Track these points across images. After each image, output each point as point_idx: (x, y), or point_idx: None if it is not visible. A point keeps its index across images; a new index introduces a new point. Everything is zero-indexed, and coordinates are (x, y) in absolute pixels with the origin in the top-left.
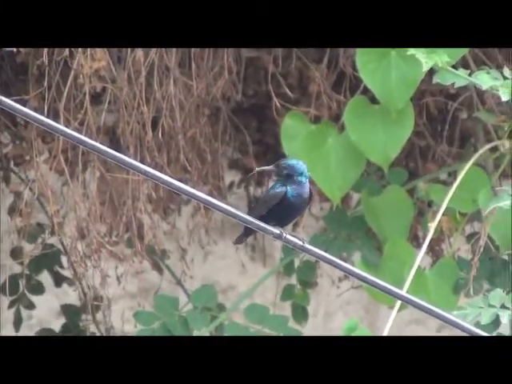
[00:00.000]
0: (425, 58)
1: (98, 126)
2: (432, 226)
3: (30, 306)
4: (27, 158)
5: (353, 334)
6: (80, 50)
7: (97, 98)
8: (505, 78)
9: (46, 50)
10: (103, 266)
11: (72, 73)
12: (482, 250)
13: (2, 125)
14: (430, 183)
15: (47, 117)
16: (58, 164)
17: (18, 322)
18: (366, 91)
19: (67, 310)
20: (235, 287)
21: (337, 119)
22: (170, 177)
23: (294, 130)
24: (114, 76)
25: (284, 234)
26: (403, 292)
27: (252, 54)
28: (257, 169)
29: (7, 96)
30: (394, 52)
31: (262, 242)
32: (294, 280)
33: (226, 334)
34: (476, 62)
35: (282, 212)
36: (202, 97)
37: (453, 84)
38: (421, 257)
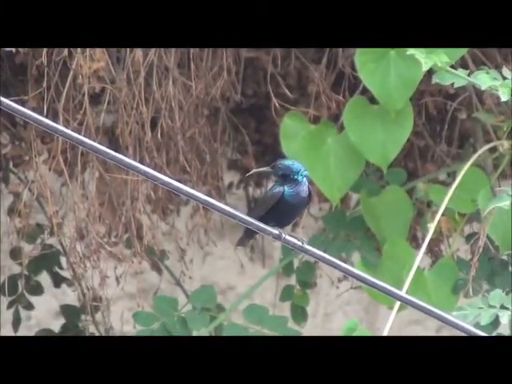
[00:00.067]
0: (424, 58)
1: (97, 127)
2: (431, 227)
3: (29, 306)
4: (26, 158)
5: (352, 335)
6: (79, 50)
7: (96, 99)
8: (504, 77)
9: (45, 50)
10: (102, 267)
11: (71, 73)
12: (481, 250)
13: (1, 125)
14: (429, 183)
15: (46, 117)
16: (57, 164)
17: (16, 322)
18: (365, 91)
19: (66, 310)
20: (234, 288)
21: (336, 119)
22: (169, 177)
23: (293, 130)
24: (113, 76)
25: (283, 235)
26: (402, 292)
27: (251, 55)
28: (253, 170)
29: (6, 96)
30: (393, 52)
31: (261, 242)
32: (293, 280)
33: (225, 335)
34: (475, 62)
35: (280, 212)
36: (201, 97)
37: (452, 84)
38: (420, 257)
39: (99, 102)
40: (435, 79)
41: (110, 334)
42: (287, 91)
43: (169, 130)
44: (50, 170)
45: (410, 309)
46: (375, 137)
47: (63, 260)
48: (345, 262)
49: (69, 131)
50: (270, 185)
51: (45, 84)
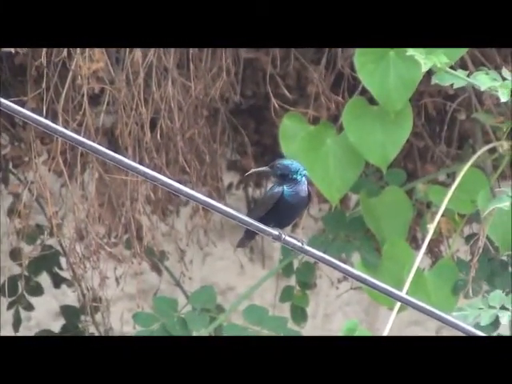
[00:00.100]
0: (423, 59)
1: (96, 127)
2: (431, 227)
3: (29, 307)
4: (26, 159)
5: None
6: (78, 51)
7: (95, 99)
8: (503, 78)
9: (44, 51)
10: (102, 268)
11: (70, 74)
12: (480, 251)
13: (0, 126)
14: (428, 184)
15: (46, 118)
16: (56, 165)
17: (17, 323)
18: (364, 92)
19: (66, 311)
20: (234, 288)
21: (335, 120)
22: (169, 178)
23: (292, 130)
24: (112, 77)
25: (283, 236)
26: (402, 293)
27: (250, 55)
28: (252, 170)
29: (6, 97)
30: (392, 53)
31: (261, 243)
32: (293, 281)
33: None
34: (474, 63)
35: (280, 212)
36: (200, 98)
37: (451, 85)
38: (420, 258)
39: (98, 103)
40: (435, 80)
41: (110, 335)
42: (286, 92)
43: (168, 130)
44: (49, 170)
45: (410, 309)
46: (374, 137)
47: (63, 261)
48: (345, 262)
49: (68, 132)
50: (270, 185)
51: (44, 85)
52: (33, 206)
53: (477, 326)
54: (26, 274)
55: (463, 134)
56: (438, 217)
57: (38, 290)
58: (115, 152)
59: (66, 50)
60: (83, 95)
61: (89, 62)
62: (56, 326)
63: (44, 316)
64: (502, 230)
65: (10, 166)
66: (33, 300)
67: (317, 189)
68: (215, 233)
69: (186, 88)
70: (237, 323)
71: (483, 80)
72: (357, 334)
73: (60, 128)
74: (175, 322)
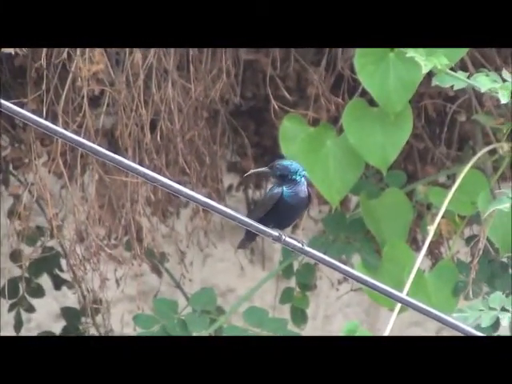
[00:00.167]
0: (423, 61)
1: (96, 129)
2: (431, 229)
3: (30, 309)
4: (26, 160)
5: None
6: (78, 53)
7: (95, 101)
8: (503, 80)
9: (44, 52)
10: (102, 269)
11: (70, 75)
12: (481, 252)
13: (0, 128)
14: (428, 186)
15: (46, 119)
16: (56, 167)
17: (18, 325)
18: (364, 94)
19: (67, 312)
20: (234, 290)
21: (335, 122)
22: (169, 179)
23: (292, 132)
24: (112, 79)
25: (283, 237)
26: (403, 294)
27: (250, 57)
28: (251, 171)
29: (6, 99)
30: (392, 54)
31: (261, 244)
32: (293, 283)
33: None
34: (474, 65)
35: (280, 213)
36: (200, 99)
37: (451, 86)
38: (420, 259)
39: (98, 105)
40: (435, 81)
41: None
42: (286, 93)
43: (168, 132)
44: (49, 172)
45: (411, 311)
46: (374, 139)
47: (64, 262)
48: (345, 264)
49: (68, 133)
50: (270, 186)
51: (44, 86)
52: (33, 207)
53: (477, 327)
54: (27, 275)
55: (463, 136)
56: (438, 218)
57: (38, 292)
58: (115, 153)
59: (65, 51)
60: (83, 97)
61: (89, 63)
62: (57, 328)
63: (45, 318)
64: (503, 232)
65: (11, 167)
66: (34, 302)
67: (317, 190)
68: (215, 234)
69: (185, 89)
70: (237, 325)
71: (483, 81)
72: (358, 335)
73: (60, 129)
74: (175, 323)
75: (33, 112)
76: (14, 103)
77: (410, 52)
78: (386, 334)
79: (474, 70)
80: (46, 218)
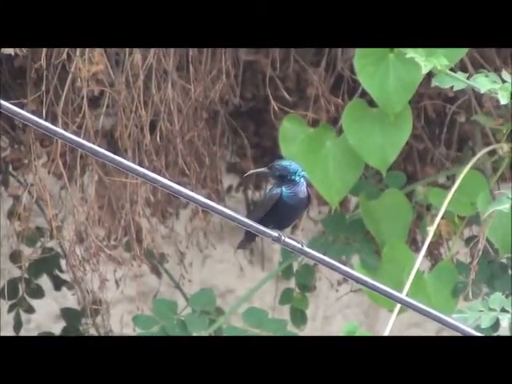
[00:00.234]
0: (423, 61)
1: (96, 130)
2: (431, 230)
3: (30, 309)
4: (25, 161)
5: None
6: (78, 53)
7: (95, 102)
8: (503, 81)
9: (43, 53)
10: (102, 270)
11: (70, 76)
12: (480, 253)
13: (0, 128)
14: (428, 187)
15: (45, 120)
16: (56, 167)
17: (17, 325)
18: (364, 94)
19: (67, 313)
20: (234, 291)
21: (335, 122)
22: (169, 180)
23: (291, 133)
24: (111, 79)
25: (282, 237)
26: (403, 295)
27: (250, 58)
28: (251, 171)
29: (6, 100)
30: (392, 55)
31: (261, 245)
32: (292, 284)
33: None
34: (474, 66)
35: (279, 214)
36: (199, 100)
37: (451, 87)
38: (420, 260)
39: (98, 105)
40: (434, 82)
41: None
42: (286, 94)
43: (168, 133)
44: (49, 173)
45: (410, 311)
46: (374, 140)
47: (63, 263)
48: (344, 264)
49: (68, 134)
50: (269, 187)
51: (44, 87)
52: (33, 208)
53: (477, 328)
54: (27, 276)
55: (463, 137)
56: (437, 219)
57: (38, 293)
58: (115, 154)
59: (65, 52)
60: (83, 97)
61: (88, 64)
62: (56, 329)
63: (44, 318)
64: (502, 233)
65: (10, 168)
66: (33, 302)
67: (316, 191)
68: (215, 235)
69: (185, 90)
70: (236, 326)
71: (483, 82)
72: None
73: (60, 130)
74: (175, 324)
75: (32, 113)
76: (14, 104)
77: (410, 53)
78: (386, 334)
79: (474, 70)
80: (45, 218)
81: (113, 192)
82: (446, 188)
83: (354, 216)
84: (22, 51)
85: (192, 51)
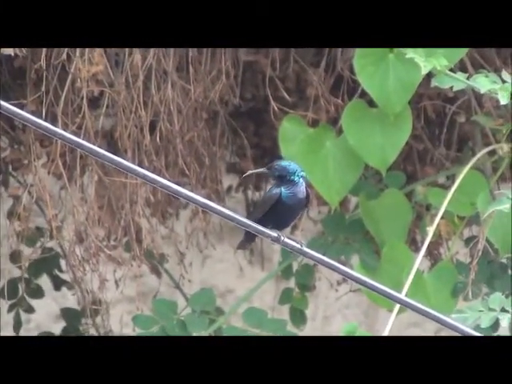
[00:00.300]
0: (423, 62)
1: (95, 130)
2: (430, 230)
3: (30, 309)
4: (25, 162)
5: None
6: (78, 54)
7: (95, 102)
8: (503, 81)
9: (43, 54)
10: (101, 270)
11: (70, 77)
12: (480, 253)
13: (0, 129)
14: (428, 187)
15: (45, 121)
16: (56, 168)
17: (17, 325)
18: (363, 95)
19: (67, 313)
20: (233, 291)
21: (335, 123)
22: (168, 180)
23: (291, 133)
24: (111, 80)
25: (282, 238)
26: (402, 295)
27: (250, 58)
28: (250, 171)
29: (5, 100)
30: (392, 55)
31: (261, 245)
32: (292, 283)
33: None
34: (474, 66)
35: (278, 214)
36: (199, 101)
37: (451, 87)
38: (419, 260)
39: (98, 106)
40: (434, 82)
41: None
42: (286, 95)
43: (168, 133)
44: (49, 173)
45: (410, 311)
46: (374, 140)
47: (63, 263)
48: (344, 265)
49: (68, 134)
50: (269, 187)
51: (44, 88)
52: (32, 208)
53: (477, 328)
54: (26, 276)
55: (463, 137)
56: (437, 219)
57: (38, 293)
58: (114, 154)
59: (65, 52)
60: (83, 98)
61: (88, 64)
62: (56, 329)
63: (44, 318)
64: (502, 233)
65: (10, 168)
66: (33, 302)
67: (316, 191)
68: (214, 235)
69: (185, 91)
70: (236, 325)
71: (483, 82)
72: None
73: (59, 130)
74: (175, 324)
75: (32, 113)
76: (14, 104)
77: (410, 53)
78: (385, 334)
79: (474, 70)
80: (45, 218)
81: (113, 192)
82: (445, 188)
83: (354, 216)
84: (22, 51)
85: (192, 51)
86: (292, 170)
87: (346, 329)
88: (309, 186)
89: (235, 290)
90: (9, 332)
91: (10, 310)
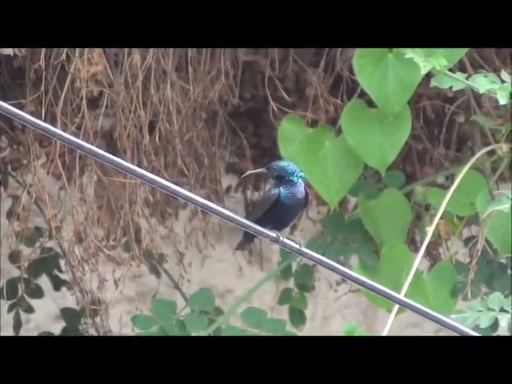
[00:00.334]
0: (422, 62)
1: (95, 130)
2: (429, 230)
3: (30, 309)
4: (25, 162)
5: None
6: (77, 54)
7: (94, 102)
8: (502, 81)
9: (42, 54)
10: (101, 270)
11: (69, 77)
12: (479, 253)
13: None
14: (427, 187)
15: (44, 121)
16: (55, 168)
17: (17, 325)
18: (363, 95)
19: (67, 313)
20: (232, 291)
21: (334, 123)
22: (167, 181)
23: (290, 133)
24: (111, 80)
25: (281, 238)
26: (401, 296)
27: (249, 58)
28: (248, 172)
29: (4, 100)
30: (391, 55)
31: (260, 245)
32: (291, 284)
33: None
34: (473, 66)
35: (277, 214)
36: (198, 101)
37: (450, 87)
38: (418, 260)
39: (97, 106)
40: (433, 82)
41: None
42: (285, 95)
43: (167, 133)
44: (48, 173)
45: (409, 312)
46: (373, 140)
47: (63, 263)
48: (343, 265)
49: (67, 135)
50: (268, 188)
51: (43, 88)
52: (32, 208)
53: (476, 328)
54: (26, 276)
55: (462, 137)
56: (436, 219)
57: (37, 293)
58: (114, 155)
59: (64, 53)
60: (82, 98)
61: (87, 64)
62: (56, 329)
63: (43, 318)
64: (501, 233)
65: (9, 168)
66: (33, 302)
67: (315, 191)
68: (214, 235)
69: (184, 91)
70: (235, 326)
71: (482, 82)
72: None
73: (59, 131)
74: (174, 324)
75: (31, 113)
76: (13, 104)
77: (409, 53)
78: (384, 334)
79: (473, 70)
80: (44, 218)
81: (112, 192)
82: (444, 188)
83: (353, 216)
84: (21, 52)
85: (191, 51)
86: (291, 170)
87: (345, 329)
88: (308, 186)
89: (234, 290)
90: (9, 332)
91: (9, 310)
